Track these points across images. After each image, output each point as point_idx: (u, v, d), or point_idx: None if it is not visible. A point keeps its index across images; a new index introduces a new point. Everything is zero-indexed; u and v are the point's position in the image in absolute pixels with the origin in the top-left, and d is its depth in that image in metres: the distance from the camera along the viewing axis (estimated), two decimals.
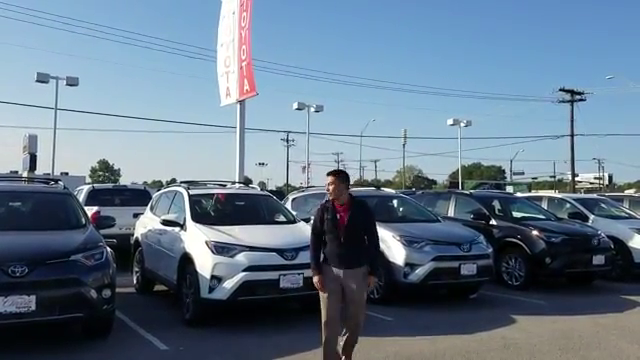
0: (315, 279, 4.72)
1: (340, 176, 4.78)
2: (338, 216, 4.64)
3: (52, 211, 6.67)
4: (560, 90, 39.57)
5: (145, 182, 27.93)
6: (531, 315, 7.40)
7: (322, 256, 4.78)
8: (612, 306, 8.14)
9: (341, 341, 4.74)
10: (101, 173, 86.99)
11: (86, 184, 15.52)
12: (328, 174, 4.77)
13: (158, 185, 21.62)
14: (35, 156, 17.52)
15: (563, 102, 39.52)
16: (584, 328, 6.74)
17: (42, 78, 21.53)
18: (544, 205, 12.14)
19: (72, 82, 22.22)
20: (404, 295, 7.92)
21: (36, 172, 18.07)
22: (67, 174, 38.56)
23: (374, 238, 4.79)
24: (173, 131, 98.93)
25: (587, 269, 9.66)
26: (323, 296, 4.69)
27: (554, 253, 9.31)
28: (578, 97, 39.41)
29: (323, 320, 4.68)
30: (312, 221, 4.97)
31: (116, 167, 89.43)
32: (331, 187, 4.69)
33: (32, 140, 17.66)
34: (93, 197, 11.61)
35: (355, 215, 4.66)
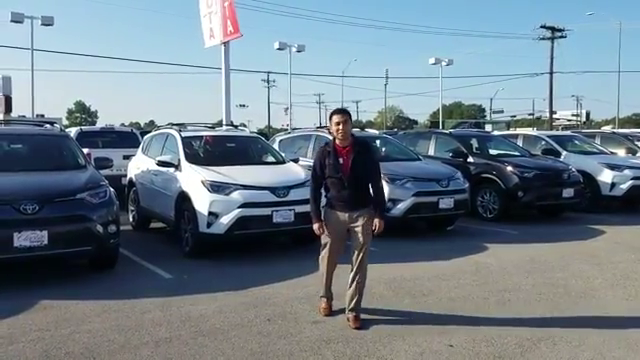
0: (315, 226, 4.50)
1: (348, 114, 4.43)
2: (341, 160, 4.33)
3: (53, 152, 6.93)
4: (541, 27, 39.63)
5: (122, 124, 27.91)
6: (503, 243, 7.99)
7: (324, 200, 4.58)
8: (578, 235, 8.71)
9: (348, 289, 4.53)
10: (78, 115, 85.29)
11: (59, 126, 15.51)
12: (335, 113, 4.39)
13: (136, 127, 21.69)
14: (10, 98, 17.30)
15: (544, 39, 39.65)
16: (550, 254, 7.30)
17: (17, 18, 20.94)
18: (520, 142, 12.61)
19: (47, 22, 21.70)
20: (386, 228, 8.42)
21: (12, 114, 17.89)
22: (42, 116, 37.78)
23: (379, 184, 4.53)
24: (151, 72, 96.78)
25: (557, 201, 10.30)
26: (326, 241, 4.53)
27: (526, 187, 9.89)
28: (559, 34, 39.52)
29: (323, 265, 4.63)
30: (312, 166, 4.66)
31: (93, 109, 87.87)
32: (341, 127, 4.32)
33: (6, 82, 17.38)
34: (81, 139, 11.75)
35: (359, 158, 4.35)
